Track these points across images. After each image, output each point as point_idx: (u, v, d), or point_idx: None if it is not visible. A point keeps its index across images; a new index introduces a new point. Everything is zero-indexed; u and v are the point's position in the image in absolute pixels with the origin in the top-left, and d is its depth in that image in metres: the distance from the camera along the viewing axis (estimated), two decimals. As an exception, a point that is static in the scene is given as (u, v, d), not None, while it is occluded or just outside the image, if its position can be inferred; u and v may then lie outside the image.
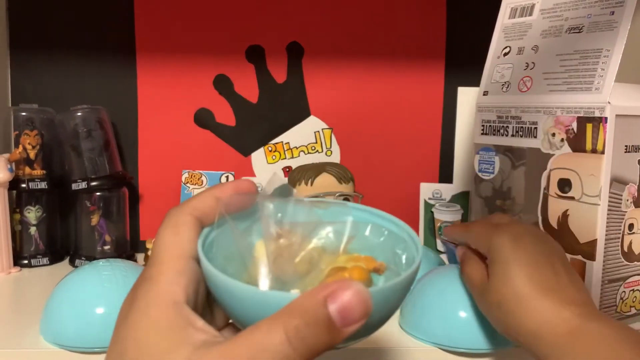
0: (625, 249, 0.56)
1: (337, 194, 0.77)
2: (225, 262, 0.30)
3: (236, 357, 0.24)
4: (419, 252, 0.31)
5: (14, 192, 0.78)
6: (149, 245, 0.78)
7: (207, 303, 0.31)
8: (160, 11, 0.85)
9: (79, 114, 0.78)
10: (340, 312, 0.24)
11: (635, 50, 0.64)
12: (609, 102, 0.53)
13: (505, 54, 0.65)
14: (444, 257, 0.77)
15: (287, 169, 0.88)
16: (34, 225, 0.79)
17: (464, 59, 0.89)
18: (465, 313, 0.52)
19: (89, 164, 0.78)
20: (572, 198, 0.56)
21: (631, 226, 0.57)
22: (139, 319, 0.26)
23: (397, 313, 0.59)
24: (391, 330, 0.57)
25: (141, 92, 0.86)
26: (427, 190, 0.88)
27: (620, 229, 0.56)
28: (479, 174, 0.67)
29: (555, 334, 0.40)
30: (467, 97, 0.87)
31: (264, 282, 0.29)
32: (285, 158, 0.89)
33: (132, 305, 0.27)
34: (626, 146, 0.55)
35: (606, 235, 0.54)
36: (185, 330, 0.25)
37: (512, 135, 0.62)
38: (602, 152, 0.53)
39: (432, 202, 0.88)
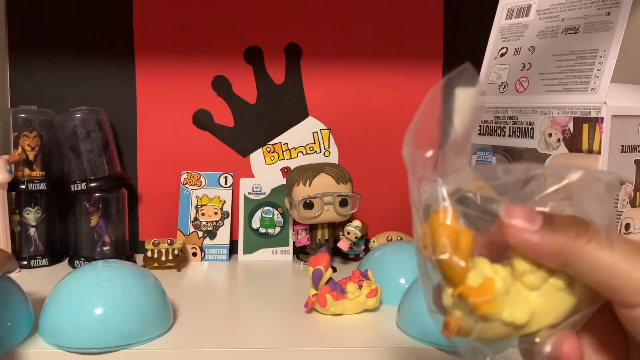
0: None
1: (335, 195, 0.77)
2: None
3: None
4: None
5: (13, 193, 0.78)
6: (147, 246, 0.78)
7: None
8: (159, 13, 0.85)
9: (78, 115, 0.79)
10: None
11: (631, 50, 0.64)
12: (605, 103, 0.53)
13: (502, 55, 0.65)
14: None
15: (286, 170, 0.88)
16: (33, 226, 0.79)
17: (461, 60, 0.88)
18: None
19: (88, 165, 0.79)
20: (569, 198, 0.56)
21: (627, 226, 0.57)
22: None
23: (394, 312, 0.59)
24: (388, 330, 0.58)
25: (140, 94, 0.86)
26: (426, 190, 0.88)
27: (617, 229, 0.56)
28: (477, 175, 0.67)
29: None
30: (464, 98, 0.87)
31: None
32: (284, 159, 0.89)
33: None
34: (622, 146, 0.55)
35: (603, 235, 0.54)
36: None
37: (509, 136, 0.62)
38: (598, 152, 0.53)
39: (430, 202, 0.88)
